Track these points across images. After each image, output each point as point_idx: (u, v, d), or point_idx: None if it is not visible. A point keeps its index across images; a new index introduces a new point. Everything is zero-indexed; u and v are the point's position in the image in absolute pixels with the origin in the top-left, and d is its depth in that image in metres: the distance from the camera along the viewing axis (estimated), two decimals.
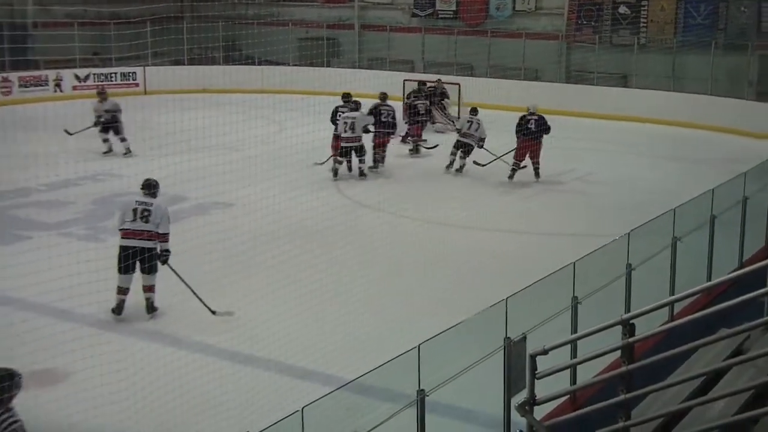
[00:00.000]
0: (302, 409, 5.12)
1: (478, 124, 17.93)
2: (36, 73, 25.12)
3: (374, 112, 17.96)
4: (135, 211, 10.13)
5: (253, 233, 12.92)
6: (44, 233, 13.04)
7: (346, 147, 17.06)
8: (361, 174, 17.06)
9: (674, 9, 26.05)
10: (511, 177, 16.74)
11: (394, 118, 18.16)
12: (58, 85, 25.72)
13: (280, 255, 11.98)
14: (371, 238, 13.04)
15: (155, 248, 10.09)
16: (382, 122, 17.78)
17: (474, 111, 18.54)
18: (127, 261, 9.90)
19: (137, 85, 26.97)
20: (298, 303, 10.23)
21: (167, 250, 10.17)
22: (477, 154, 17.74)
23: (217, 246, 12.25)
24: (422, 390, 5.88)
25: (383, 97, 18.68)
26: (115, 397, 7.81)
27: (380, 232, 13.34)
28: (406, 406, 5.88)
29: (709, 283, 6.79)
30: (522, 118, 17.12)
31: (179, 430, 7.63)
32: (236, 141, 18.24)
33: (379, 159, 17.70)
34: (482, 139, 17.84)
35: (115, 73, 26.98)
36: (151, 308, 10.04)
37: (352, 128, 16.88)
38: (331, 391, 5.84)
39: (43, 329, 9.12)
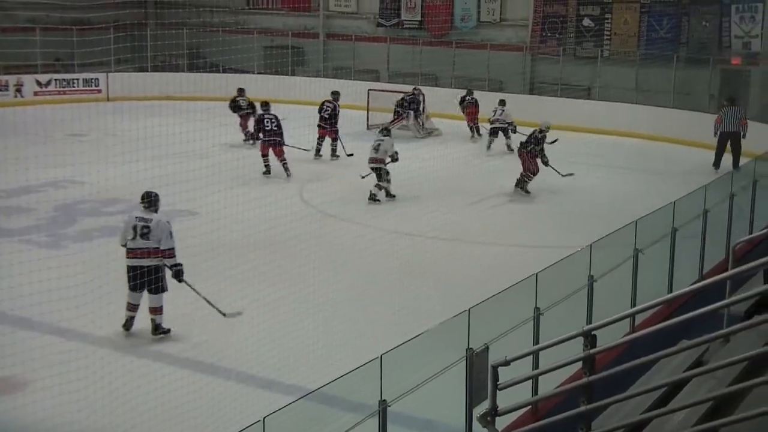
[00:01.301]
0: (264, 418, 5.08)
1: (502, 110, 20.99)
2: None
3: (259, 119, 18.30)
4: (135, 228, 9.77)
5: (218, 242, 12.85)
6: (5, 239, 12.86)
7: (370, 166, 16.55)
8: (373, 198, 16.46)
9: (637, 22, 26.35)
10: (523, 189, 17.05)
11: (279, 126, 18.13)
12: (18, 91, 25.41)
13: (243, 264, 11.95)
14: (337, 247, 13.03)
15: (159, 265, 9.80)
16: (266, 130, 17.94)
17: (502, 102, 21.56)
18: (135, 280, 9.68)
19: (100, 91, 26.72)
20: (260, 312, 10.18)
21: (176, 265, 9.87)
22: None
23: (181, 253, 12.19)
24: (384, 400, 5.87)
25: (335, 96, 19.69)
26: (74, 406, 7.72)
27: (347, 242, 13.33)
28: (368, 416, 5.86)
29: (669, 295, 6.85)
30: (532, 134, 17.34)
31: None
32: (201, 148, 18.15)
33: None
34: (509, 123, 20.86)
35: (78, 79, 26.72)
36: (156, 329, 9.76)
37: (376, 150, 16.44)
38: (294, 401, 5.82)
39: (2, 337, 9.03)
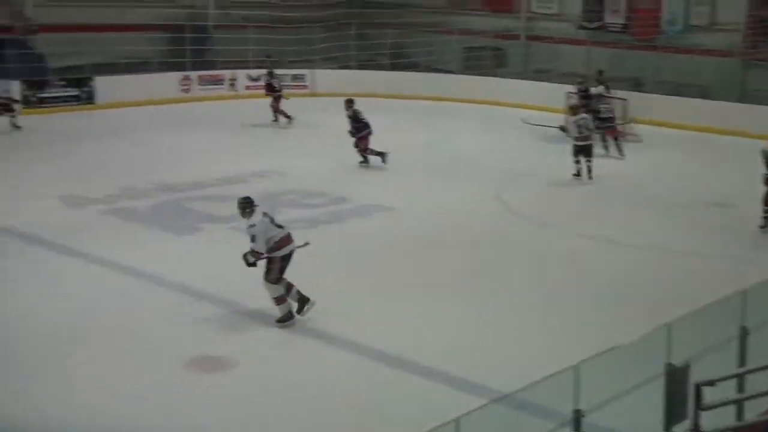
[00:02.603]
0: (458, 419, 5.15)
1: (586, 120, 17.90)
2: (213, 72, 26.26)
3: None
4: (273, 221, 9.94)
5: (410, 236, 13.11)
6: (214, 226, 13.61)
7: (579, 146, 17.31)
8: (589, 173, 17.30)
9: None
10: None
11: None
12: (232, 85, 26.83)
13: (434, 260, 12.13)
14: (530, 251, 12.95)
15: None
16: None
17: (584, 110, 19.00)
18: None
19: (306, 87, 27.74)
20: (455, 312, 10.31)
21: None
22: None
23: (377, 248, 12.54)
24: (579, 410, 5.83)
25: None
26: (272, 392, 8.09)
27: (543, 246, 13.21)
28: (561, 425, 5.84)
29: None
30: None
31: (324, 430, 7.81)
32: (400, 146, 18.56)
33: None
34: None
35: (286, 75, 27.86)
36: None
37: (587, 128, 17.40)
38: (487, 403, 5.87)
39: (216, 321, 9.60)
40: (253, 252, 9.64)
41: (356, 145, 17.93)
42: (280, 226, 9.90)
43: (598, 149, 19.31)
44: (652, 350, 6.66)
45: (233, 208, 12.37)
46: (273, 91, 22.64)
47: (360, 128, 17.89)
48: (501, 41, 29.89)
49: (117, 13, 26.24)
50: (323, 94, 27.12)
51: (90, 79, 24.57)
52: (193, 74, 25.70)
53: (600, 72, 23.61)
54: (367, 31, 28.74)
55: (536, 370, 6.23)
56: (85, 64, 25.07)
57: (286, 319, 9.74)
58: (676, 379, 6.16)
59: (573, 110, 18.86)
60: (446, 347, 9.26)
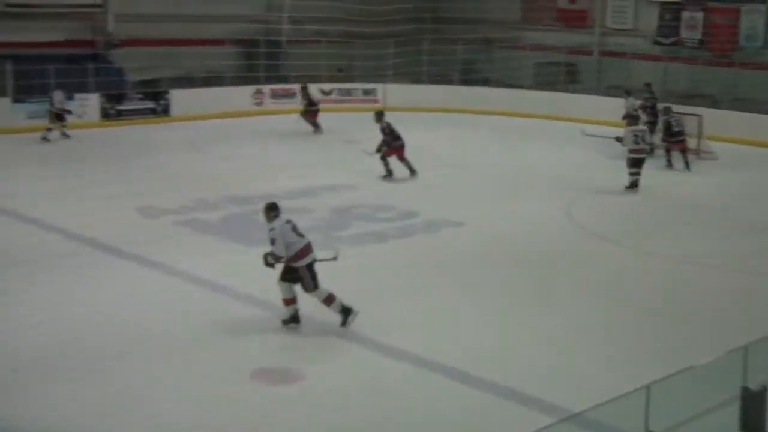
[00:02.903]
0: None
1: (644, 132, 17.95)
2: (286, 86, 26.58)
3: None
4: (294, 229, 10.03)
5: (481, 253, 13.08)
6: None
7: (635, 158, 17.43)
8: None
9: None
10: None
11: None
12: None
13: (505, 277, 12.07)
14: (599, 268, 12.79)
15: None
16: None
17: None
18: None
19: (377, 101, 27.87)
20: (521, 328, 10.25)
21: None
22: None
23: (444, 263, 12.53)
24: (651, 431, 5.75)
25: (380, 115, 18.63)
26: (339, 405, 8.12)
27: (608, 263, 13.06)
28: None
29: None
30: None
31: None
32: (470, 161, 18.55)
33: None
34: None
35: (357, 89, 28.07)
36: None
37: (643, 140, 17.57)
38: (555, 423, 5.83)
39: (284, 333, 9.69)
40: (272, 254, 9.84)
41: (383, 157, 18.09)
42: (301, 235, 10.04)
43: (658, 162, 19.49)
44: (726, 372, 6.54)
45: (305, 221, 12.50)
46: (312, 105, 23.41)
47: (394, 139, 18.12)
48: (573, 57, 29.67)
49: (194, 28, 26.78)
50: (394, 108, 27.19)
51: (166, 92, 25.10)
52: (266, 88, 26.07)
53: (647, 84, 23.57)
54: (438, 47, 28.77)
55: (605, 390, 6.17)
56: (162, 78, 25.64)
57: (290, 321, 9.96)
58: (752, 403, 6.03)
59: (629, 121, 18.97)
60: (513, 364, 9.20)
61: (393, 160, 18.02)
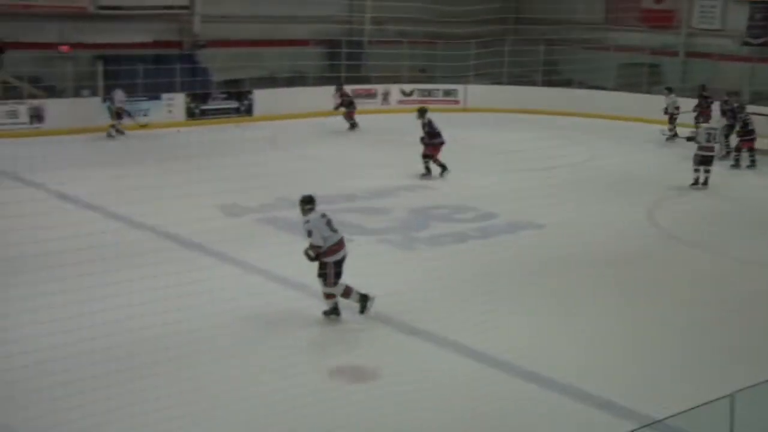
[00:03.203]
0: None
1: (716, 131, 18.43)
2: (367, 86, 26.75)
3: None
4: (329, 223, 10.30)
5: (560, 256, 12.97)
6: (365, 238, 13.85)
7: (704, 156, 17.61)
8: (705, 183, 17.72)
9: None
10: None
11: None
12: (385, 99, 27.27)
13: (585, 280, 11.96)
14: (682, 272, 12.57)
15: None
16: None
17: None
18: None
19: (458, 102, 27.84)
20: (599, 332, 10.15)
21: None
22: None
23: (524, 265, 12.47)
24: None
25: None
26: (413, 404, 8.14)
27: (691, 267, 12.82)
28: None
29: None
30: None
31: None
32: (551, 163, 18.40)
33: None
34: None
35: (438, 90, 28.08)
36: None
37: (714, 138, 17.92)
38: (637, 429, 5.76)
39: (360, 332, 9.77)
40: (312, 247, 10.04)
41: (425, 155, 18.23)
42: (334, 230, 10.24)
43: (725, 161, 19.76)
44: None
45: (384, 221, 12.58)
46: (350, 104, 23.98)
47: (433, 136, 18.24)
48: (658, 58, 29.15)
49: (277, 28, 27.13)
50: (475, 109, 27.15)
51: (249, 92, 25.50)
52: (348, 88, 26.27)
53: (703, 87, 23.91)
54: (520, 48, 28.57)
55: (688, 398, 6.06)
56: (246, 78, 26.05)
57: (331, 313, 10.21)
58: None
59: (699, 118, 19.73)
60: (590, 367, 9.12)
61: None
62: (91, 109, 22.33)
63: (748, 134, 20.26)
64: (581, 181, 18.23)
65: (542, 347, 9.62)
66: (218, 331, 9.73)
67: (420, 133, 18.38)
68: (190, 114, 24.37)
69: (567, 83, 28.70)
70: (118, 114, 21.99)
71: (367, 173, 18.23)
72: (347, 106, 24.08)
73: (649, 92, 27.29)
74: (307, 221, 10.13)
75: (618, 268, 12.58)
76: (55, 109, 22.15)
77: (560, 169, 18.84)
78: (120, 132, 22.07)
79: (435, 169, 18.28)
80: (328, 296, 10.24)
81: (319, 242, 10.01)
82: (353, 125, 23.99)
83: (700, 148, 17.59)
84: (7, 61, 23.06)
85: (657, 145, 22.05)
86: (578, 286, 11.74)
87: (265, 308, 10.51)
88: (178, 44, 26.35)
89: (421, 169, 18.22)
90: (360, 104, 25.23)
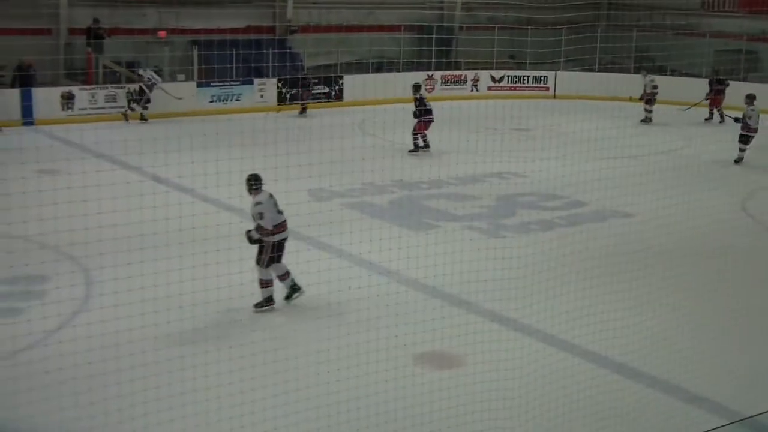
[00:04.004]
0: None
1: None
2: (457, 72, 26.72)
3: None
4: (276, 205, 10.44)
5: (649, 246, 12.79)
6: (452, 224, 13.89)
7: (749, 136, 18.72)
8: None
9: None
10: None
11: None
12: (475, 85, 27.17)
13: (675, 271, 11.79)
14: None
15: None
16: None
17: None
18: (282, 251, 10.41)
19: (547, 89, 27.59)
20: (688, 325, 10.00)
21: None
22: None
23: (610, 254, 12.34)
24: None
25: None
26: (503, 394, 8.17)
27: None
28: None
29: None
30: None
31: None
32: (641, 151, 18.13)
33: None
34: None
35: (528, 77, 27.86)
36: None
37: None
38: (726, 424, 5.69)
39: (443, 318, 9.81)
40: (260, 228, 10.05)
41: (415, 131, 19.17)
42: (280, 211, 10.34)
43: None
44: None
45: (471, 207, 12.52)
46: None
47: (423, 112, 19.14)
48: (755, 44, 28.33)
49: (368, 14, 27.28)
50: (565, 96, 26.85)
51: (340, 77, 25.71)
52: (437, 74, 26.28)
53: (716, 71, 25.09)
54: (613, 33, 28.11)
55: None
56: (337, 63, 26.27)
57: (264, 305, 10.16)
58: None
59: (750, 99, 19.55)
60: (682, 360, 9.00)
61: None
62: (187, 93, 22.86)
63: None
64: (670, 169, 17.88)
65: (630, 338, 9.52)
66: (301, 313, 9.88)
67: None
68: (281, 99, 24.71)
69: (660, 70, 28.14)
70: (141, 91, 22.13)
71: (455, 159, 18.19)
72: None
73: (745, 79, 26.59)
74: (260, 203, 10.15)
75: (709, 259, 12.37)
76: (153, 93, 22.72)
77: (649, 158, 18.54)
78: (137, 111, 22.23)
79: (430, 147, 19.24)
80: (265, 284, 10.23)
81: (269, 226, 10.09)
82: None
83: (750, 129, 18.93)
84: (107, 47, 23.77)
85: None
86: (667, 278, 11.55)
87: (350, 292, 10.64)
88: (271, 29, 26.73)
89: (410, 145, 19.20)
90: (450, 90, 25.21)
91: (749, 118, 18.92)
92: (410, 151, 18.92)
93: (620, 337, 9.50)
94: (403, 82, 25.79)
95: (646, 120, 23.60)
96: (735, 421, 5.80)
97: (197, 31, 24.59)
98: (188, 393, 7.59)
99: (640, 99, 23.83)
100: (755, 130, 18.93)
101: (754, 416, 5.76)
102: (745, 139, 19.05)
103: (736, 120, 19.51)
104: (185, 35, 24.76)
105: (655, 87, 23.80)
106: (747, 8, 29.22)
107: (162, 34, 24.34)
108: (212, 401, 7.59)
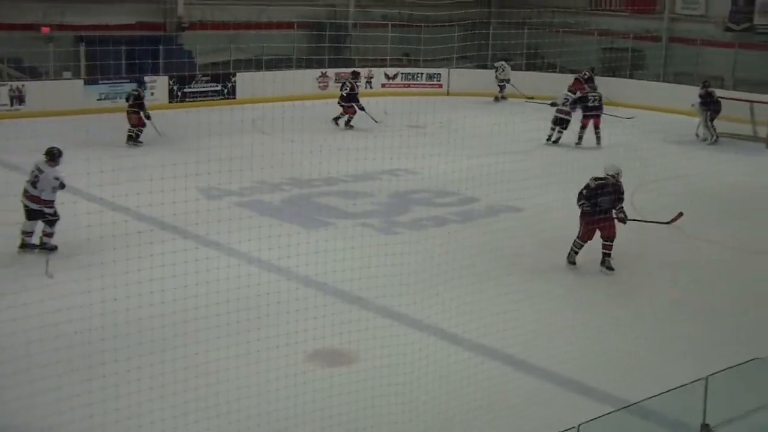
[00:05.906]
0: (579, 426, 5.10)
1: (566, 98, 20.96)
2: (350, 70, 26.65)
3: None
4: (31, 173, 11.60)
5: (540, 240, 12.94)
6: (344, 222, 13.82)
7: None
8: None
9: None
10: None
11: None
12: (369, 82, 27.14)
13: (559, 262, 11.98)
14: (661, 259, 12.62)
15: (41, 210, 11.55)
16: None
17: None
18: (28, 216, 11.68)
19: (441, 86, 27.80)
20: (576, 316, 10.18)
21: (50, 215, 11.63)
22: None
23: (504, 249, 12.46)
24: (707, 425, 5.67)
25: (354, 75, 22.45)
26: (395, 389, 8.13)
27: (673, 253, 12.86)
28: None
29: None
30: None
31: (448, 429, 7.81)
32: (533, 146, 18.41)
33: None
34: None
35: (421, 74, 28.02)
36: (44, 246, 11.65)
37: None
38: (611, 411, 5.77)
39: (339, 314, 9.73)
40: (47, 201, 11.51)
41: (343, 113, 21.69)
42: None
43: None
44: None
45: (364, 205, 12.45)
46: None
47: (350, 99, 21.57)
48: (640, 43, 29.19)
49: (260, 11, 26.98)
50: (458, 93, 27.10)
51: (232, 75, 25.35)
52: (331, 71, 26.13)
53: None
54: (503, 31, 28.54)
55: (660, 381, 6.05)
56: (229, 60, 25.90)
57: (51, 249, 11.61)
58: None
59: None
60: (567, 353, 9.14)
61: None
62: (73, 91, 22.16)
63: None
64: (560, 164, 18.22)
65: (521, 330, 9.63)
66: (192, 313, 9.64)
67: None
68: (172, 96, 24.21)
69: (551, 67, 28.72)
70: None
71: (348, 157, 18.12)
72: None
73: (631, 77, 27.37)
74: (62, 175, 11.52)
75: (592, 247, 12.56)
76: (36, 91, 21.95)
77: (538, 153, 18.87)
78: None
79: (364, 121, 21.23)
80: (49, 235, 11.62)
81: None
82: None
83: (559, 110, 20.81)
84: None
85: (634, 132, 22.07)
86: (556, 270, 11.74)
87: (241, 291, 10.44)
88: (161, 26, 26.16)
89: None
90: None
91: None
92: (334, 118, 21.97)
93: (510, 329, 9.59)
94: (296, 79, 25.65)
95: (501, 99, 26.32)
96: (619, 408, 5.89)
97: (83, 27, 23.89)
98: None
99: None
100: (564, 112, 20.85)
101: (636, 402, 5.86)
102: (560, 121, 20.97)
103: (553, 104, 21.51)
104: (71, 31, 24.01)
105: (508, 79, 26.37)
106: (632, 7, 30.06)
107: (46, 29, 23.53)
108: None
